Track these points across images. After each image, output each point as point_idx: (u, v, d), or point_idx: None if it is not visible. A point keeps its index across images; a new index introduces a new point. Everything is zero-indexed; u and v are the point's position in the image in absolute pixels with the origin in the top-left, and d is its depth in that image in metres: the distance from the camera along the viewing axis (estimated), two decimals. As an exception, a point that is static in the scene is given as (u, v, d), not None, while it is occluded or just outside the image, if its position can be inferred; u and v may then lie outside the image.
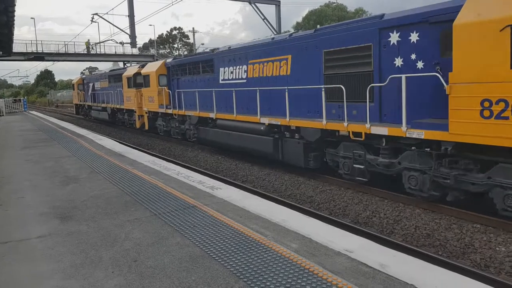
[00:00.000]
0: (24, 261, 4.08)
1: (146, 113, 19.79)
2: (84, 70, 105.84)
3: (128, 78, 21.66)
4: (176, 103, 16.69)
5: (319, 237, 4.40)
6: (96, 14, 42.27)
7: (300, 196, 9.47)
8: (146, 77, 18.76)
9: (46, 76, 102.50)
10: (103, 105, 27.05)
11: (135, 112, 21.27)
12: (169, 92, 17.33)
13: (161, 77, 17.96)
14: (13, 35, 22.99)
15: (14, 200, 6.39)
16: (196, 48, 58.14)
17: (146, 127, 20.20)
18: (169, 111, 17.25)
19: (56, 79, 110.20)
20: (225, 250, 4.11)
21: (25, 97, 61.74)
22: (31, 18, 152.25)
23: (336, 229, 5.01)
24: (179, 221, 5.04)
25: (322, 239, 4.35)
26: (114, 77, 25.45)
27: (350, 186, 9.56)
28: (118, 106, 24.18)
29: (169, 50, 77.40)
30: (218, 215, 5.22)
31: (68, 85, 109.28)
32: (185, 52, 69.00)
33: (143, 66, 20.72)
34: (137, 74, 20.74)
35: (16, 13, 16.35)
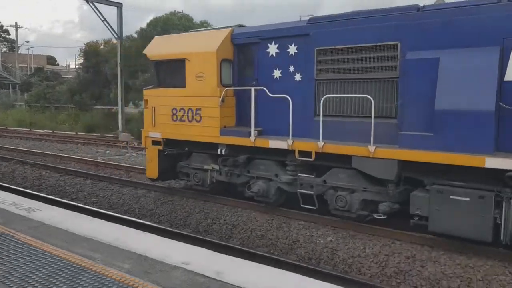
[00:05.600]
0: None
1: None
2: None
3: None
4: None
5: (155, 253, 4.19)
6: None
7: (139, 210, 9.00)
8: None
9: None
10: None
11: None
12: None
13: None
14: None
15: None
16: (19, 45, 49.67)
17: None
18: None
19: None
20: (43, 284, 3.49)
21: None
22: None
23: (175, 242, 4.88)
24: (-21, 256, 4.08)
25: (158, 255, 4.14)
26: None
27: (193, 196, 9.50)
28: None
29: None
30: (35, 242, 4.44)
31: None
32: (4, 49, 57.79)
33: None
34: None
35: None
